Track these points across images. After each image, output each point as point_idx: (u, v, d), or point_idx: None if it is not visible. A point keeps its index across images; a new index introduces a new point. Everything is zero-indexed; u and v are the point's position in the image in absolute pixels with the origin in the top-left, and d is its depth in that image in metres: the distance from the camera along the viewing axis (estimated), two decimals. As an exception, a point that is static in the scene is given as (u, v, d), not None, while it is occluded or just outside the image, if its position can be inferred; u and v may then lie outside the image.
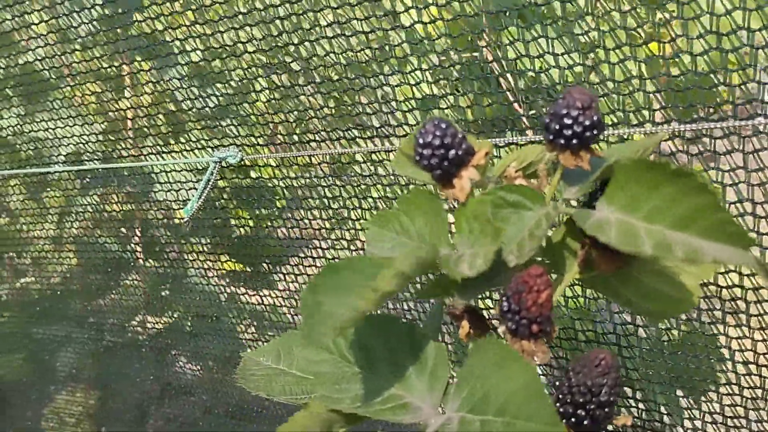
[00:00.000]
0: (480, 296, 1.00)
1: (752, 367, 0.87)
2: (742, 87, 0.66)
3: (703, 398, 1.01)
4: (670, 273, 0.46)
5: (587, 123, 0.41)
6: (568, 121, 0.41)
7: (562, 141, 0.42)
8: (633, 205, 0.40)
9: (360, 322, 0.39)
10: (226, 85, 1.11)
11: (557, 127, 0.42)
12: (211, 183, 0.94)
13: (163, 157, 1.12)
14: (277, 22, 1.00)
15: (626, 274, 0.47)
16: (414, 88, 0.97)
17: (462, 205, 0.44)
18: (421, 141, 0.43)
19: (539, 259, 0.49)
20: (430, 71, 0.99)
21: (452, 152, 0.42)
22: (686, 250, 0.37)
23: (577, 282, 0.49)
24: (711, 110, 0.71)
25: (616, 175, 0.40)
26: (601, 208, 0.41)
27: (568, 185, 0.45)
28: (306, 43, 0.98)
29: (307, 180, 1.22)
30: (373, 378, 0.47)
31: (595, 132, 0.41)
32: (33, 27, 1.23)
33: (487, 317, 0.51)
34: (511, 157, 0.47)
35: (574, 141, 0.41)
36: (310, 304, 0.41)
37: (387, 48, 0.98)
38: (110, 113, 1.28)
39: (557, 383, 0.45)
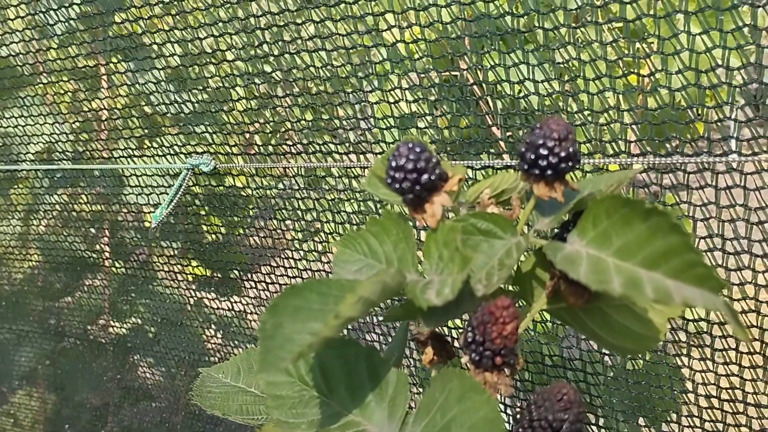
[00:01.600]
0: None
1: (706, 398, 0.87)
2: (717, 124, 0.66)
3: (664, 428, 1.01)
4: (638, 309, 0.45)
5: (563, 154, 0.40)
6: (543, 152, 0.40)
7: (537, 171, 0.41)
8: (604, 241, 0.39)
9: (320, 348, 0.38)
10: (203, 91, 1.09)
11: (532, 157, 0.41)
12: (182, 190, 0.91)
13: (134, 161, 1.10)
14: (258, 32, 0.98)
15: (594, 307, 0.46)
16: (393, 105, 0.96)
17: (432, 230, 0.43)
18: (393, 164, 0.41)
19: (508, 288, 0.48)
20: (410, 90, 0.98)
21: (425, 177, 0.41)
22: (656, 290, 0.36)
23: (544, 312, 0.48)
24: (687, 144, 0.71)
25: (589, 209, 0.40)
26: (572, 241, 0.41)
27: (540, 215, 0.44)
28: (287, 55, 0.97)
29: (281, 191, 1.21)
30: (331, 403, 0.46)
31: (570, 164, 0.40)
32: (9, 22, 1.21)
33: (451, 343, 0.50)
34: (485, 184, 0.46)
35: (549, 172, 0.41)
36: (269, 326, 0.39)
37: (368, 64, 0.97)
38: (84, 113, 1.26)
39: (518, 416, 0.44)
